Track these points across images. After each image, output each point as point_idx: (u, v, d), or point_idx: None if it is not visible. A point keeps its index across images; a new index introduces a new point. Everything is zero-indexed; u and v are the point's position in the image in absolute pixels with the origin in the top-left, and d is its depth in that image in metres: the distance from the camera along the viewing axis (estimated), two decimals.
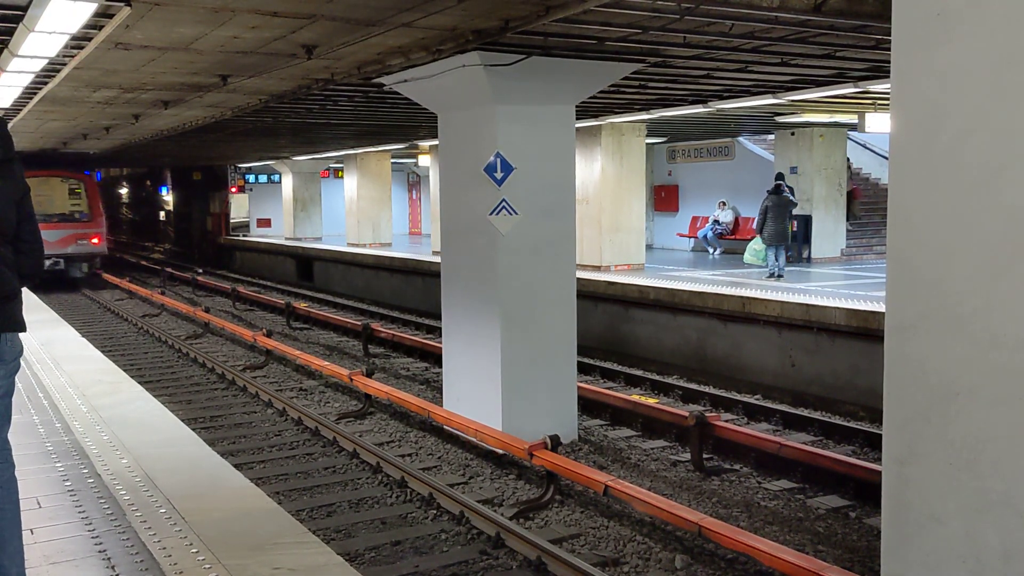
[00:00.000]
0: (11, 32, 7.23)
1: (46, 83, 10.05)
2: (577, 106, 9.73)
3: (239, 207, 36.36)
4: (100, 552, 3.71)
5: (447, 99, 9.52)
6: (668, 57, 9.31)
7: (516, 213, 9.01)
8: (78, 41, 7.47)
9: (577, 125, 16.36)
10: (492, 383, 9.19)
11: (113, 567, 3.56)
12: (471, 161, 9.15)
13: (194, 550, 3.66)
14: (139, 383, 12.58)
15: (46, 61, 8.15)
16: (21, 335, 3.28)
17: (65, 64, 8.68)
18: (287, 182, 30.29)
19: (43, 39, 6.91)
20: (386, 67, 9.36)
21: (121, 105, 13.23)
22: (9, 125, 15.15)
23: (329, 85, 10.86)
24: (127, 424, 5.87)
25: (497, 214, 8.97)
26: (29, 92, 10.80)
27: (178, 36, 7.97)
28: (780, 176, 17.17)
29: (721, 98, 12.83)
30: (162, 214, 43.23)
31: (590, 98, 11.37)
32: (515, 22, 7.32)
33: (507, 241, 9.03)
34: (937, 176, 4.90)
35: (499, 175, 8.92)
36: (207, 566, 3.50)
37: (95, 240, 21.68)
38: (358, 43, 8.23)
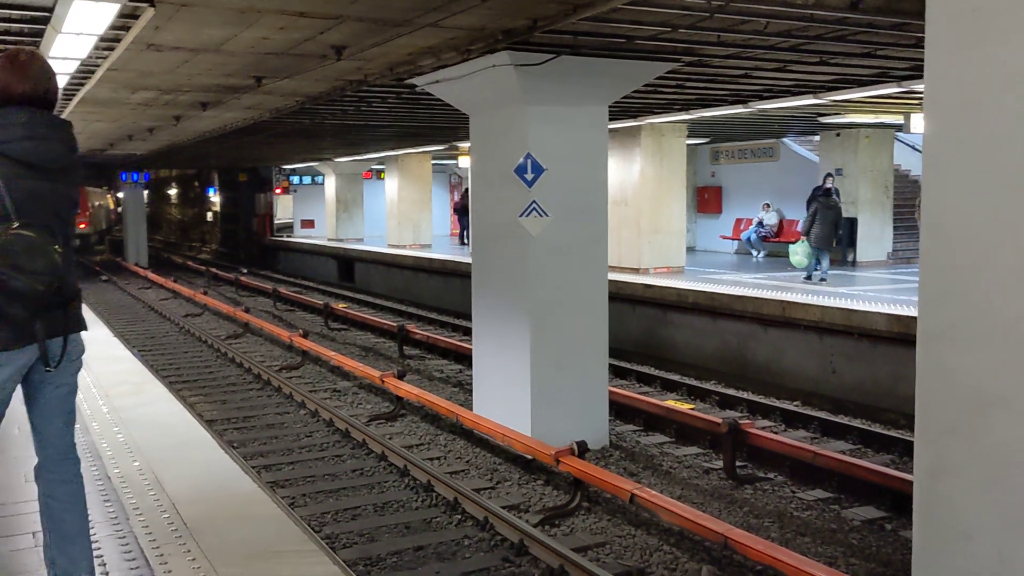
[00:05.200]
0: (40, 34, 7.29)
1: (83, 84, 10.15)
2: (615, 106, 9.58)
3: (284, 208, 36.70)
4: (97, 557, 3.66)
5: (478, 100, 9.44)
6: (703, 56, 9.13)
7: (547, 215, 8.90)
8: (108, 43, 7.51)
9: (616, 125, 16.33)
10: (521, 387, 9.09)
11: (107, 573, 3.52)
12: (502, 162, 9.06)
13: (191, 557, 3.60)
14: (177, 382, 12.77)
15: (78, 63, 8.22)
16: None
17: (99, 66, 8.75)
18: (330, 183, 30.45)
19: (71, 40, 6.96)
20: (417, 68, 9.30)
21: (161, 107, 13.35)
22: None
23: (363, 87, 10.84)
24: (145, 425, 5.86)
25: (527, 216, 8.86)
26: (68, 93, 10.93)
27: (207, 37, 7.98)
28: (829, 176, 16.91)
29: (761, 98, 12.58)
30: (210, 215, 43.78)
31: (628, 98, 11.22)
32: (543, 21, 7.22)
33: (537, 243, 8.92)
34: (972, 179, 4.69)
35: (529, 176, 8.81)
36: (201, 575, 3.44)
37: (81, 225, 34.67)
38: (387, 43, 8.18)
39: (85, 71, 9.01)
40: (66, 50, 7.41)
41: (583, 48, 8.34)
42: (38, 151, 3.14)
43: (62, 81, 9.57)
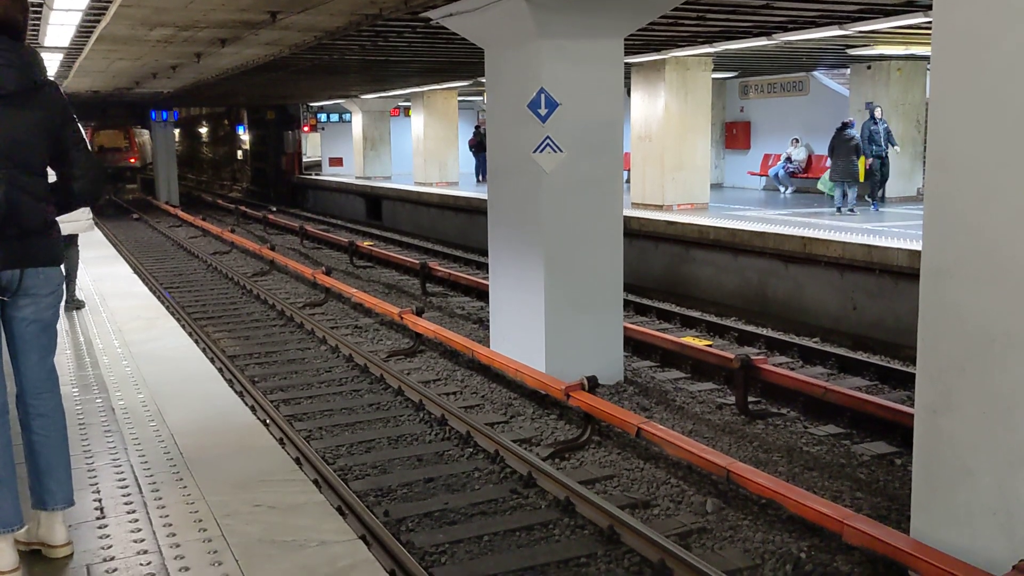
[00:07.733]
0: None
1: (99, 21, 10.14)
2: (638, 39, 9.42)
3: (312, 146, 36.66)
4: (92, 486, 3.76)
5: (492, 33, 9.32)
6: None
7: (561, 151, 8.83)
8: None
9: (640, 59, 16.07)
10: (536, 323, 9.12)
11: (100, 500, 3.61)
12: (515, 98, 8.97)
13: (183, 486, 3.69)
14: (202, 319, 12.94)
15: None
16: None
17: (111, 1, 8.73)
18: (357, 121, 30.33)
19: None
20: (431, 0, 9.19)
21: (180, 44, 13.33)
22: (77, 63, 15.30)
23: (379, 21, 10.74)
24: (153, 359, 5.96)
25: (541, 152, 8.80)
26: (85, 30, 10.92)
27: None
28: (877, 107, 16.74)
29: (786, 30, 12.32)
30: (240, 153, 43.89)
31: (650, 31, 11.01)
32: None
33: (551, 179, 8.86)
34: (980, 112, 4.59)
35: (543, 112, 8.73)
36: (191, 501, 3.53)
37: (132, 160, 39.65)
38: None
39: (99, 7, 8.98)
40: None
41: None
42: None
43: (75, 18, 9.57)
